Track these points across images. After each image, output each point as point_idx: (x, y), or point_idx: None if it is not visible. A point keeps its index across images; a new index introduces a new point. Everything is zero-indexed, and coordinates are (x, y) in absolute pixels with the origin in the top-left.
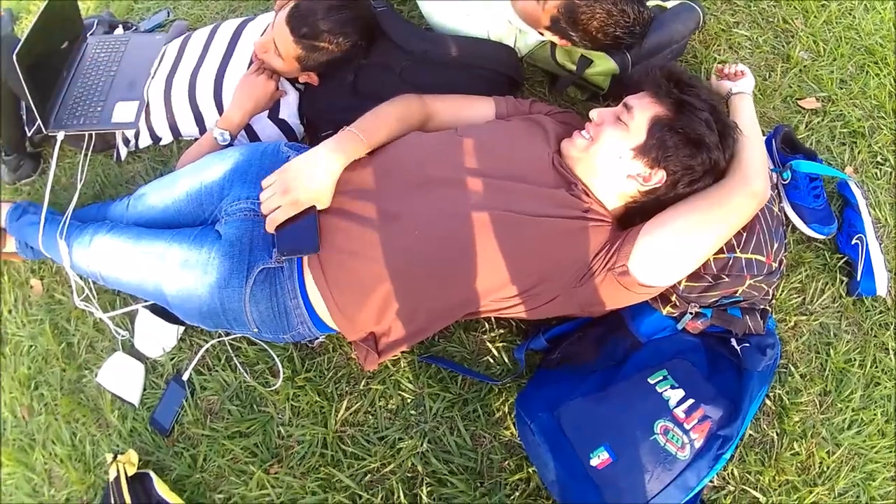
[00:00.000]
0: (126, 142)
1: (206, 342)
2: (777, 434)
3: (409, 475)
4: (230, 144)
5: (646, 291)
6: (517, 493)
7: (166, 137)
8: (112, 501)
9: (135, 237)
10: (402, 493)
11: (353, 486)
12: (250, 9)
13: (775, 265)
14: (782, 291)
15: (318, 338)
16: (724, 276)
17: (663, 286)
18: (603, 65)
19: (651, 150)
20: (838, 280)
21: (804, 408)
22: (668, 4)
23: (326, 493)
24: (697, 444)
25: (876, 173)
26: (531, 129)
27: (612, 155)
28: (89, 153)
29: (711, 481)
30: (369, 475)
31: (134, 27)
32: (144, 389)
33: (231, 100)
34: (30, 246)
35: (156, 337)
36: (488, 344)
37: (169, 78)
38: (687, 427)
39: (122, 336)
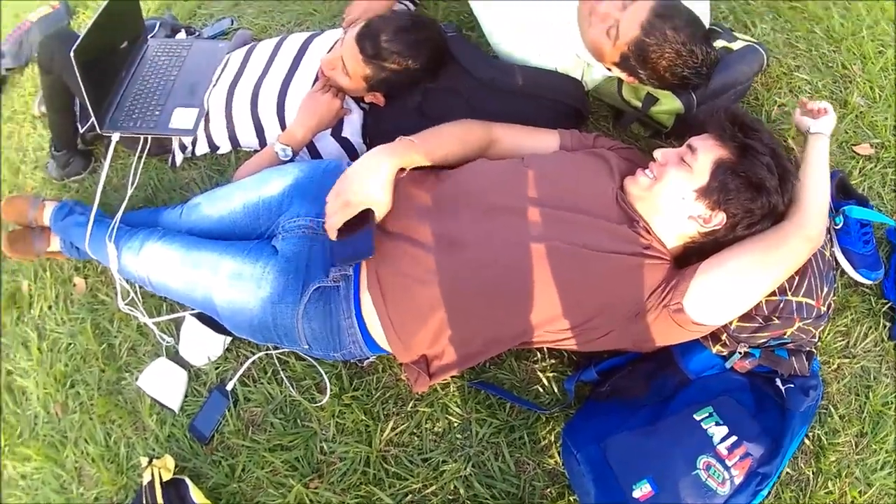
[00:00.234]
0: (183, 148)
1: (253, 354)
2: (813, 473)
3: (450, 497)
4: (291, 160)
5: (698, 330)
6: None
7: (224, 147)
8: None
9: (187, 246)
10: None
11: None
12: (317, 23)
13: (824, 309)
14: (828, 334)
15: (368, 357)
16: (774, 318)
17: (716, 325)
18: (668, 104)
19: (713, 193)
20: (882, 325)
21: (840, 448)
22: (735, 46)
23: None
24: (737, 481)
25: None
26: (596, 163)
27: (674, 195)
28: (143, 157)
29: None
30: (410, 496)
31: (197, 33)
32: (185, 396)
33: (295, 115)
34: (75, 246)
35: (201, 345)
36: (539, 373)
37: (231, 87)
38: (729, 463)
39: (167, 342)
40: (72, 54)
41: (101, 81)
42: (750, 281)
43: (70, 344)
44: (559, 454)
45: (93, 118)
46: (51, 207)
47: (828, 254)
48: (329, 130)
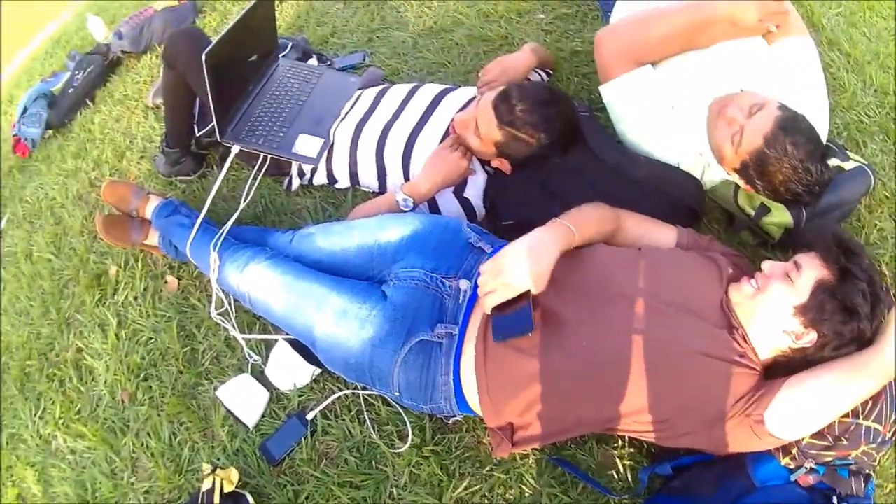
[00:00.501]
0: (301, 174)
1: (340, 390)
2: None
3: None
4: (410, 211)
5: (773, 442)
6: None
7: (343, 182)
8: None
9: (296, 274)
10: None
11: None
12: (450, 76)
13: (889, 435)
14: (886, 459)
15: (455, 416)
16: (843, 439)
17: (790, 440)
18: (780, 216)
19: (809, 311)
20: None
21: None
22: (847, 165)
23: None
24: None
25: None
26: (708, 266)
27: (774, 308)
28: (260, 175)
29: None
30: None
31: (329, 62)
32: (262, 416)
33: (419, 165)
34: (173, 245)
35: (290, 371)
36: (616, 459)
37: (359, 125)
38: None
39: (253, 360)
40: (203, 57)
41: (227, 90)
42: (829, 402)
43: (151, 338)
44: None
45: (214, 125)
46: (155, 202)
47: None
48: (452, 188)
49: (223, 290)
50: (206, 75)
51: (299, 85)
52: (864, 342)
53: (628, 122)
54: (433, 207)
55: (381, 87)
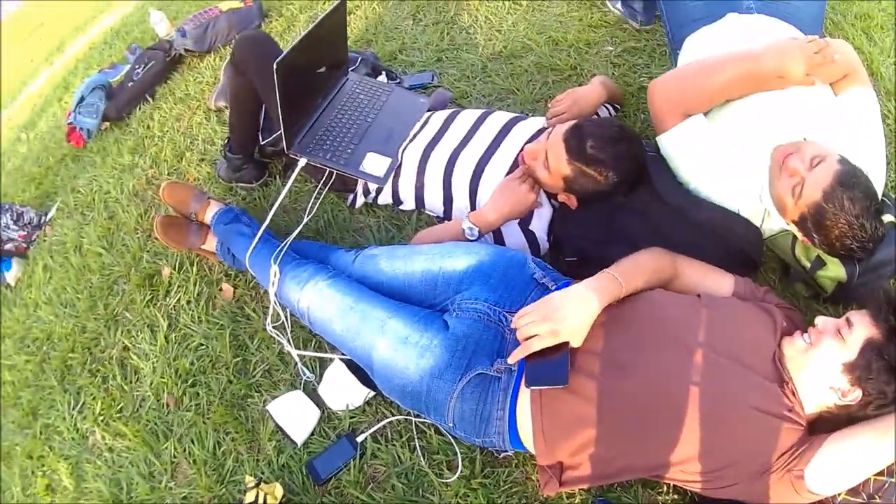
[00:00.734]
0: (366, 192)
1: (393, 415)
2: None
3: None
4: (475, 240)
5: (811, 497)
6: None
7: (409, 204)
8: None
9: (358, 296)
10: None
11: None
12: (518, 103)
13: None
14: None
15: (507, 451)
16: (877, 497)
17: (827, 496)
18: (834, 270)
19: (856, 370)
20: None
21: None
22: None
23: None
24: None
25: None
26: (763, 318)
27: (824, 364)
28: (325, 190)
29: None
30: None
31: (398, 79)
32: (312, 434)
33: (487, 193)
34: (231, 253)
35: (343, 392)
36: None
37: (428, 148)
38: None
39: (307, 377)
40: (275, 66)
41: (296, 101)
42: (869, 460)
43: (201, 345)
44: None
45: (282, 136)
46: (215, 208)
47: None
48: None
49: (280, 304)
50: (276, 84)
51: (368, 101)
52: None
53: (688, 171)
54: (498, 238)
55: (451, 110)
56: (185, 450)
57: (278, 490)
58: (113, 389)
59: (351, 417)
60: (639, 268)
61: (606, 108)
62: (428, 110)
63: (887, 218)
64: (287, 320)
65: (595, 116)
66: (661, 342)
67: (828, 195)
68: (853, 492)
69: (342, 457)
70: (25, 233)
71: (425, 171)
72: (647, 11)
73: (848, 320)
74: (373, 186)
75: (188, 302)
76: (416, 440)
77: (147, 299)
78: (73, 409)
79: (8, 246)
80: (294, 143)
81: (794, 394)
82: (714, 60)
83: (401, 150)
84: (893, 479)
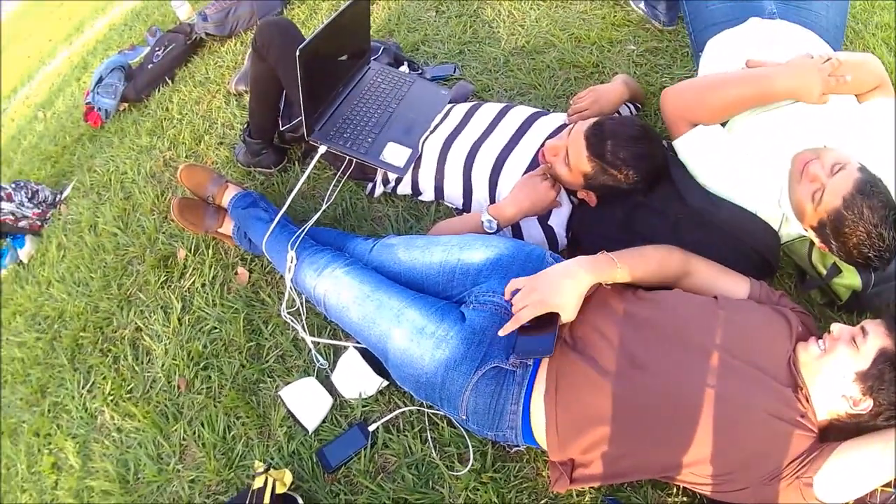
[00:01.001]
0: (385, 182)
1: (406, 405)
2: None
3: None
4: (494, 233)
5: None
6: None
7: (428, 195)
8: None
9: (376, 284)
10: None
11: None
12: (540, 98)
13: None
14: None
15: (518, 446)
16: None
17: None
18: (850, 278)
19: (869, 379)
20: None
21: None
22: None
23: None
24: None
25: None
26: (779, 322)
27: (837, 372)
28: (344, 178)
29: None
30: None
31: (420, 70)
32: (323, 422)
33: (506, 186)
34: (248, 237)
35: (357, 380)
36: None
37: (449, 139)
38: None
39: (320, 364)
40: (297, 52)
41: (317, 88)
42: (877, 471)
43: (215, 328)
44: None
45: (302, 122)
46: (233, 191)
47: None
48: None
49: (296, 290)
50: (298, 71)
51: (390, 91)
52: None
53: (703, 177)
54: (516, 232)
55: (472, 103)
56: (194, 433)
57: (288, 476)
58: (124, 370)
59: (363, 406)
60: (642, 257)
61: (628, 106)
62: (449, 102)
63: None
64: (302, 306)
65: (616, 115)
66: (678, 343)
67: (847, 202)
68: (860, 502)
69: (353, 445)
70: (40, 211)
71: (446, 162)
72: (670, 12)
73: (863, 329)
74: (392, 176)
75: (203, 285)
76: (428, 432)
77: (161, 281)
78: (83, 388)
79: (22, 223)
80: (314, 129)
81: (807, 400)
82: (729, 76)
83: (421, 141)
84: None
